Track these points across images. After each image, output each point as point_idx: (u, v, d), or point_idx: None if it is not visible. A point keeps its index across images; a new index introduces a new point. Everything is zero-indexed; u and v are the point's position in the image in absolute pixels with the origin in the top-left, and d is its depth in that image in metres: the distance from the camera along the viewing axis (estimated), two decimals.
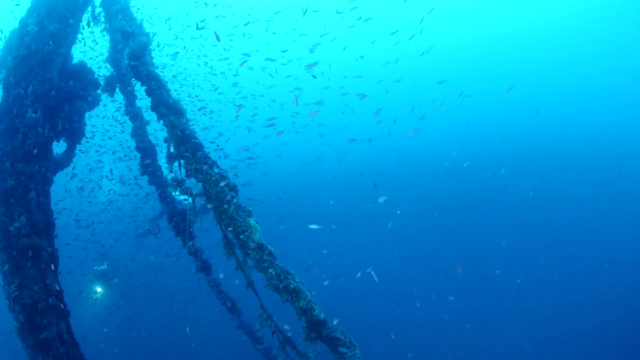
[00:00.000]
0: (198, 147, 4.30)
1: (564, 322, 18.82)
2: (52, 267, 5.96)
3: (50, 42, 6.14)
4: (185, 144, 4.23)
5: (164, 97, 4.48)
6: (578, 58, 47.44)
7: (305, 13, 11.29)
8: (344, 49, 11.99)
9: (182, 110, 4.52)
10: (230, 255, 4.27)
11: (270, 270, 3.88)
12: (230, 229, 4.04)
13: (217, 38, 8.05)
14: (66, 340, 5.72)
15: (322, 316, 3.87)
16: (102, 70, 8.19)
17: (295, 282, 3.85)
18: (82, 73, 6.87)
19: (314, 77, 10.64)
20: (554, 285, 21.46)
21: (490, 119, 42.97)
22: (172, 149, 4.38)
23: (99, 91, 7.17)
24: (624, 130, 41.02)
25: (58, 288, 5.93)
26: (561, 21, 43.65)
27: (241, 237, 3.96)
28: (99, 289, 16.31)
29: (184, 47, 16.67)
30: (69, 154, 7.06)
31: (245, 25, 16.51)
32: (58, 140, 6.70)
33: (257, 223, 4.09)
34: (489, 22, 44.70)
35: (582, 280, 21.46)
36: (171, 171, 4.31)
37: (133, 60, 4.73)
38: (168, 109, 4.42)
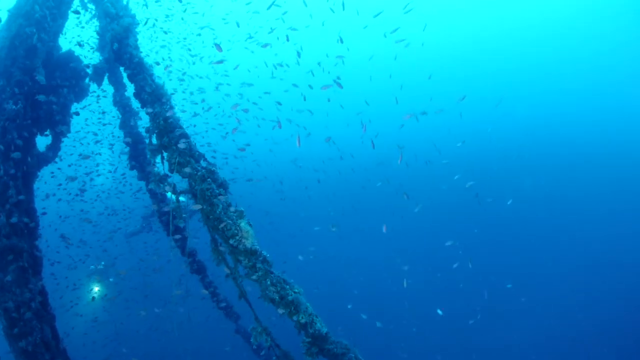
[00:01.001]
0: (183, 137, 3.79)
1: (564, 322, 18.67)
2: (36, 269, 5.67)
3: (35, 30, 5.77)
4: (169, 134, 3.73)
5: (147, 82, 4.04)
6: (577, 57, 47.29)
7: (270, 6, 10.66)
8: (339, 40, 11.58)
9: (166, 96, 4.01)
10: (219, 262, 3.76)
11: (264, 280, 3.38)
12: (218, 232, 3.54)
13: (219, 49, 7.57)
14: (51, 346, 5.45)
15: (324, 330, 3.41)
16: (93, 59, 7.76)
17: (294, 292, 3.37)
18: (68, 62, 6.48)
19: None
20: (554, 286, 21.31)
21: (489, 119, 42.79)
22: (154, 140, 3.88)
23: (87, 81, 6.79)
24: (623, 129, 40.98)
25: (42, 291, 5.63)
26: (560, 20, 43.46)
27: (231, 241, 3.44)
28: (96, 288, 15.94)
29: (161, 29, 15.99)
30: (54, 149, 6.67)
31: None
32: (42, 134, 6.34)
33: (250, 225, 3.58)
34: (487, 21, 44.42)
35: (582, 280, 21.32)
36: (153, 164, 3.86)
37: (116, 43, 4.31)
38: (150, 95, 3.96)
